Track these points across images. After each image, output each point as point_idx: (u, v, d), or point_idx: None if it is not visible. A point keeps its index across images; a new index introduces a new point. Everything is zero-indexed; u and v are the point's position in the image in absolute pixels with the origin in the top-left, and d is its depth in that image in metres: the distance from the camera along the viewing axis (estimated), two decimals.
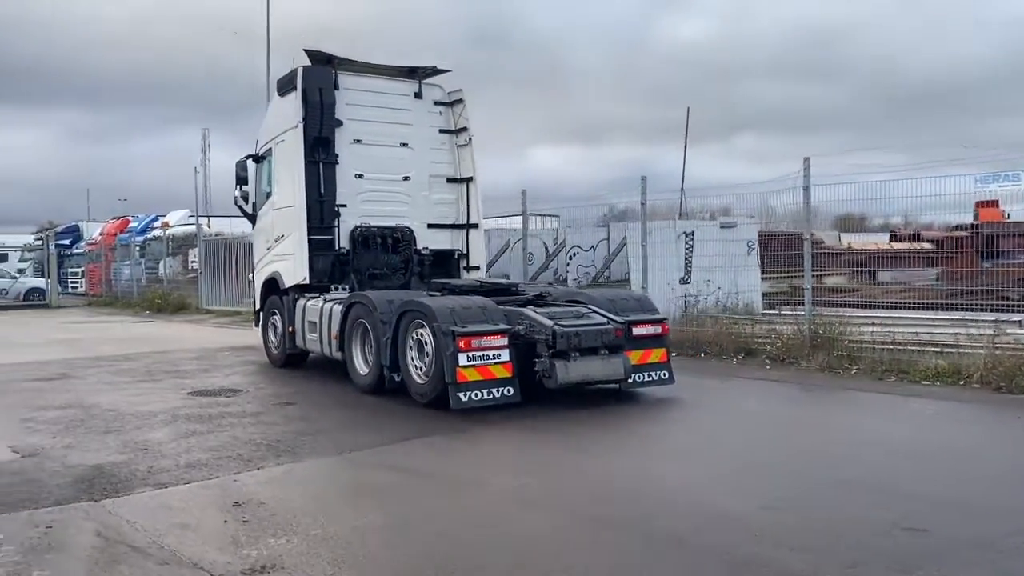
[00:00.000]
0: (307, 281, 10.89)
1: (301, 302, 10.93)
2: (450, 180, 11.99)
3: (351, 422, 7.82)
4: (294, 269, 11.07)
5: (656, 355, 8.79)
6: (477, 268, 12.12)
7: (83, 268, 37.52)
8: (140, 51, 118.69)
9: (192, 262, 27.75)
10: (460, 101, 11.97)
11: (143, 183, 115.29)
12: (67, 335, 17.00)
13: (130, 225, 38.53)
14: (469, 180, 11.98)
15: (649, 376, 8.72)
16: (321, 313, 10.30)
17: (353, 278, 11.12)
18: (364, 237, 11.24)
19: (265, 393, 9.50)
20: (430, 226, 11.81)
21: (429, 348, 8.05)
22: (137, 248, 33.35)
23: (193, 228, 34.23)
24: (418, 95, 11.74)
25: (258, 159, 12.21)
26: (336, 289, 10.96)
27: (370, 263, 11.26)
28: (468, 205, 12.05)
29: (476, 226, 12.11)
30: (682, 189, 27.49)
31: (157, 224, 36.72)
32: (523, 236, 14.63)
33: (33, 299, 28.20)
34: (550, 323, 7.95)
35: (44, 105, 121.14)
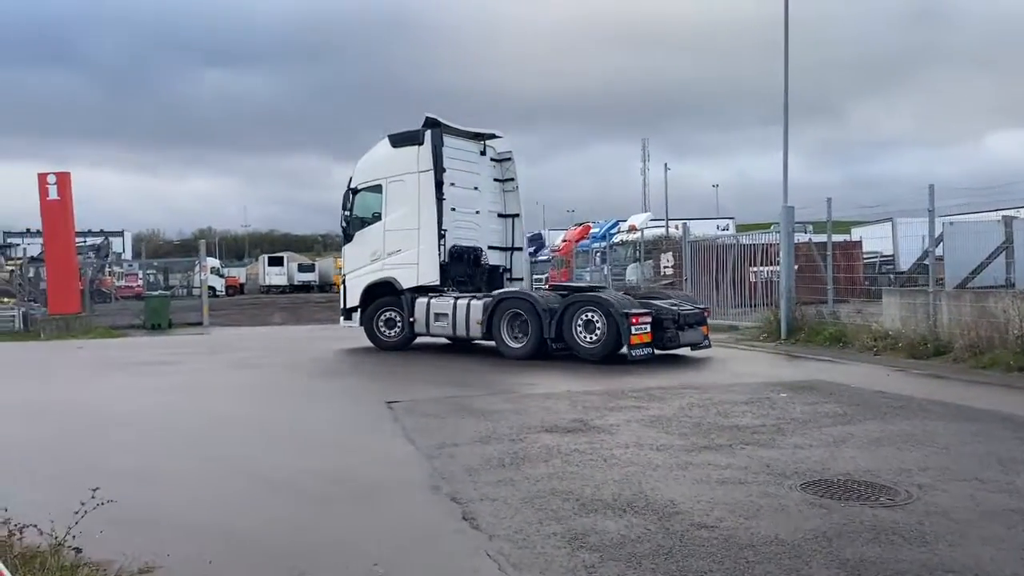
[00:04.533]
0: (437, 283, 14.51)
1: (422, 299, 14.45)
2: (500, 215, 16.31)
3: None
4: (416, 275, 14.68)
5: (705, 330, 13.74)
6: (520, 279, 16.40)
7: (547, 274, 37.38)
8: (570, 76, 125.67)
9: (664, 266, 24.83)
10: (509, 159, 16.41)
11: (581, 194, 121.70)
12: None
13: (591, 231, 37.65)
14: (516, 216, 16.48)
15: (705, 342, 13.64)
16: (455, 307, 13.91)
17: (450, 283, 14.78)
18: (459, 253, 15.07)
19: (945, 502, 5.03)
20: (490, 247, 15.89)
21: (600, 324, 12.32)
22: (599, 253, 31.79)
23: (661, 230, 31.86)
24: (482, 153, 16.01)
25: (355, 192, 15.63)
26: (448, 290, 14.65)
27: (458, 272, 15.07)
28: (514, 233, 16.45)
29: (520, 249, 16.63)
30: None
31: (618, 229, 35.15)
32: None
33: None
34: (675, 308, 13.06)
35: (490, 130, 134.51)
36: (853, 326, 14.20)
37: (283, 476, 6.01)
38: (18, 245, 43.50)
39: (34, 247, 35.47)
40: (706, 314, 13.85)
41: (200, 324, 23.34)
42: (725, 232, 40.24)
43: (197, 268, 29.26)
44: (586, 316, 12.47)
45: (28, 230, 46.41)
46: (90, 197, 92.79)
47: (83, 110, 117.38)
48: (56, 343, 18.73)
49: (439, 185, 14.54)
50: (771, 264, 18.32)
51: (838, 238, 25.56)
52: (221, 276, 55.12)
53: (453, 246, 14.93)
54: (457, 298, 14.16)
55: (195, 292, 30.42)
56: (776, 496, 5.21)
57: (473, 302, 13.79)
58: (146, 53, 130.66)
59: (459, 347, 15.09)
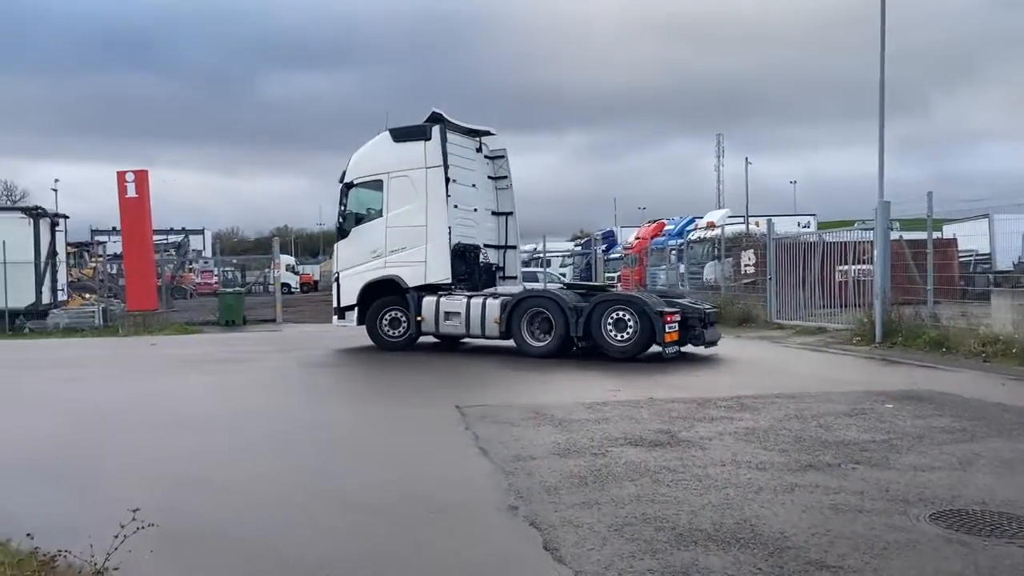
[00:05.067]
0: (449, 281, 14.24)
1: (430, 298, 14.15)
2: (494, 213, 16.23)
3: None
4: (424, 273, 14.34)
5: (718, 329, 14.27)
6: (514, 278, 16.39)
7: (619, 272, 36.60)
8: (632, 71, 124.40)
9: (745, 265, 23.81)
10: (503, 156, 16.24)
11: (653, 191, 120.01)
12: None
13: (666, 228, 36.61)
14: (509, 214, 16.36)
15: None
16: (469, 306, 13.81)
17: (453, 280, 14.44)
18: (461, 251, 14.88)
19: None
20: (486, 245, 15.77)
21: (632, 323, 12.46)
22: (673, 251, 30.81)
23: (739, 227, 30.70)
24: (478, 149, 15.85)
25: (351, 186, 15.15)
26: (455, 288, 14.35)
27: (459, 270, 14.78)
28: (507, 232, 16.38)
29: (514, 247, 16.60)
30: None
31: (694, 225, 34.09)
32: None
33: None
34: (702, 307, 13.74)
35: (560, 128, 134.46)
36: (956, 329, 13.13)
37: (349, 490, 5.58)
38: (104, 243, 44.85)
39: (118, 244, 36.40)
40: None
41: (273, 321, 23.41)
42: (807, 229, 38.75)
43: (272, 265, 29.51)
44: (617, 315, 12.60)
45: (114, 228, 47.86)
46: (172, 196, 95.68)
47: (166, 112, 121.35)
48: (132, 339, 18.96)
49: (447, 182, 14.35)
50: (859, 263, 17.30)
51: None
52: (296, 273, 55.82)
53: (456, 244, 14.74)
54: (470, 297, 14.05)
55: (271, 289, 30.70)
56: (903, 529, 4.52)
57: (490, 301, 13.72)
58: (225, 56, 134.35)
59: (448, 346, 15.11)
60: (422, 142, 14.53)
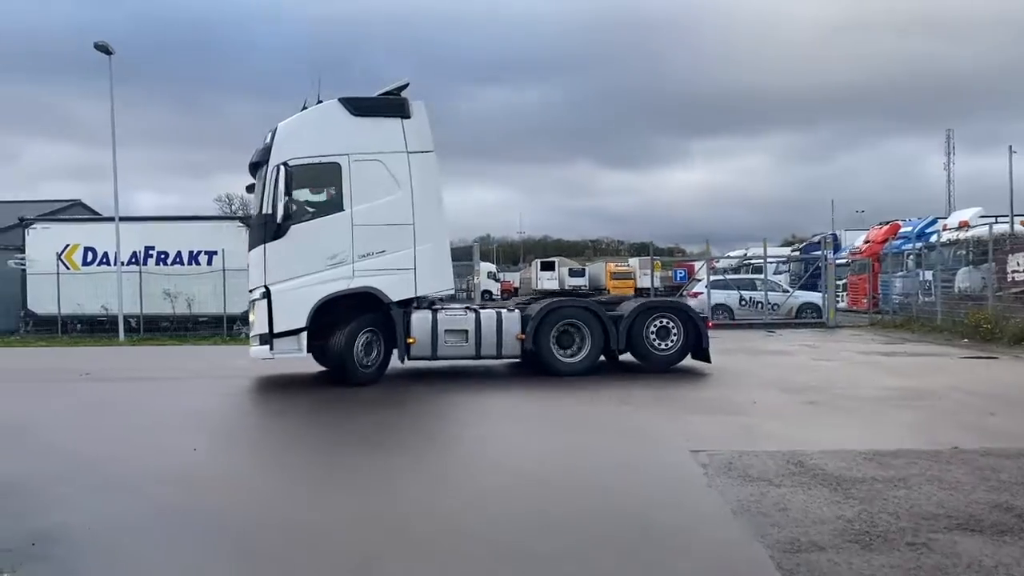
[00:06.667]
0: (451, 291, 13.26)
1: (422, 314, 11.90)
2: None
3: None
4: (413, 283, 11.86)
5: None
6: None
7: (844, 280, 32.93)
8: (838, 67, 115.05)
9: (1013, 270, 20.03)
10: None
11: (868, 192, 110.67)
12: (893, 379, 11.39)
13: (901, 230, 32.49)
14: None
15: None
16: (478, 321, 12.00)
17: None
18: None
19: None
20: None
21: (676, 330, 12.27)
22: (911, 256, 27.02)
23: (1003, 227, 26.46)
24: None
25: (283, 168, 11.41)
26: (440, 302, 12.62)
27: None
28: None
29: None
30: None
31: (940, 226, 29.88)
32: None
33: (806, 315, 24.25)
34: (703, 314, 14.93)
35: (762, 130, 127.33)
36: None
37: None
38: None
39: None
40: None
41: None
42: None
43: (472, 272, 29.48)
44: (661, 322, 12.37)
45: None
46: None
47: None
48: None
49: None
50: None
51: None
52: (497, 280, 56.22)
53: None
54: (478, 311, 12.43)
55: (472, 295, 30.67)
56: None
57: (506, 314, 12.27)
58: (430, 73, 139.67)
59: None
60: (398, 120, 11.94)
